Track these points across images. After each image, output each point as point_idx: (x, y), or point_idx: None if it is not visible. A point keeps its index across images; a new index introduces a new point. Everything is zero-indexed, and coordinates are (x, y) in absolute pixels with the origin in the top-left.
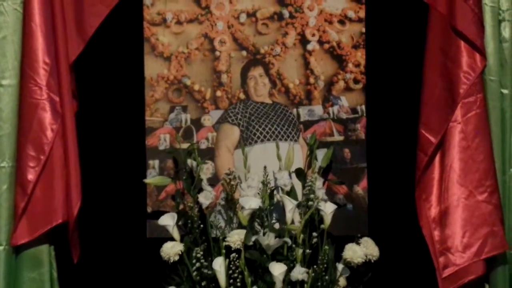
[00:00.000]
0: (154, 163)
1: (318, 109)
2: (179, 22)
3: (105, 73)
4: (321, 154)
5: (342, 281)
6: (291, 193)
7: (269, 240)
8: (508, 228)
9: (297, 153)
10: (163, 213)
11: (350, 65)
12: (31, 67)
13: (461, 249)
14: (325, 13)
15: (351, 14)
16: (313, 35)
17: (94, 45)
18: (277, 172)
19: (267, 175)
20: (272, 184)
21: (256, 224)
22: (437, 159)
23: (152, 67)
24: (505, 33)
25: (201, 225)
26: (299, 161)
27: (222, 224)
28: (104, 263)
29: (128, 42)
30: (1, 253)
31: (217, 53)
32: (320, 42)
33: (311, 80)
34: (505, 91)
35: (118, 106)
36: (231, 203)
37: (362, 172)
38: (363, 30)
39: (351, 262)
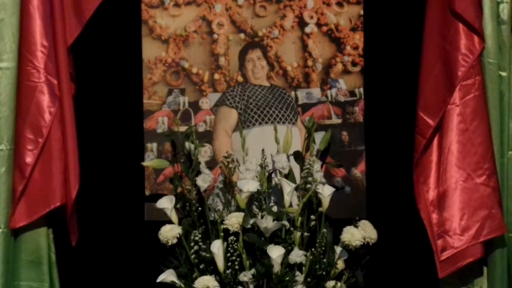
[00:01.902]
0: (152, 146)
1: (316, 92)
2: (177, 5)
3: (103, 55)
4: (319, 137)
5: (340, 264)
6: (289, 176)
7: (267, 223)
8: (507, 211)
9: (295, 136)
10: (161, 196)
11: (348, 48)
12: (29, 50)
13: (459, 231)
14: None
15: None
16: (311, 17)
17: (92, 27)
18: (275, 155)
19: (265, 158)
20: (270, 167)
21: (254, 207)
22: (435, 141)
23: (150, 50)
24: (504, 15)
25: (199, 208)
26: (297, 144)
27: (220, 207)
28: (102, 246)
29: (126, 25)
30: None
31: (215, 35)
32: (318, 24)
33: (309, 62)
34: (503, 74)
35: (116, 88)
36: (229, 186)
37: (360, 155)
38: (361, 12)
39: (349, 245)
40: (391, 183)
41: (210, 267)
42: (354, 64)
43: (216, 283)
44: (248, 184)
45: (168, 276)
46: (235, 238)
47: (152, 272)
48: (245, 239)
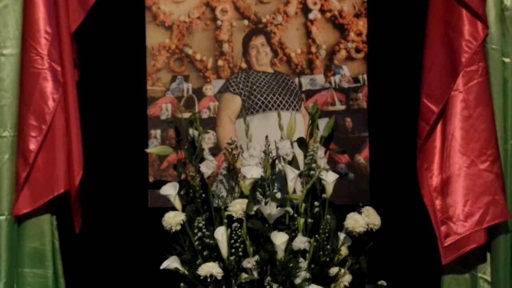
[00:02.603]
0: (156, 132)
1: (320, 79)
2: None
3: (107, 42)
4: (323, 124)
5: (343, 250)
6: (293, 162)
7: (271, 209)
8: (510, 197)
9: (299, 123)
10: (164, 182)
11: (352, 34)
12: (32, 37)
13: (463, 218)
14: None
15: None
16: (315, 3)
17: (95, 14)
18: (279, 142)
19: (269, 145)
20: (273, 153)
21: (258, 193)
22: (438, 128)
23: (154, 36)
24: (507, 1)
25: (203, 195)
26: (300, 131)
27: (224, 193)
28: (106, 233)
29: (129, 11)
30: (3, 222)
31: (219, 22)
32: (322, 11)
33: (313, 49)
34: (506, 60)
35: (119, 75)
36: (233, 173)
37: (364, 142)
38: None
39: (353, 231)
40: (394, 169)
41: (213, 253)
42: (357, 50)
43: (219, 270)
44: (251, 171)
45: (172, 262)
46: (238, 225)
47: (156, 258)
48: (248, 225)
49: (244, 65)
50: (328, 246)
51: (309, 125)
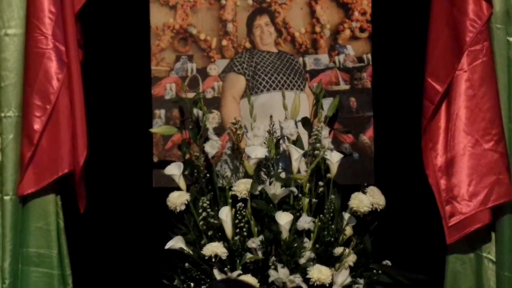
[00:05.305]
0: (160, 112)
1: (324, 58)
2: None
3: (111, 22)
4: (327, 103)
5: (348, 230)
6: (297, 142)
7: (275, 189)
8: None
9: (303, 102)
10: (169, 162)
11: (356, 14)
12: (36, 17)
13: (468, 197)
14: None
15: None
16: None
17: None
18: (283, 121)
19: (273, 124)
20: (278, 133)
21: (262, 173)
22: (443, 107)
23: (158, 16)
24: None
25: (207, 175)
26: (305, 110)
27: (228, 173)
28: (111, 213)
29: None
30: (7, 203)
31: (223, 1)
32: None
33: (317, 28)
34: (511, 39)
35: (123, 55)
36: (237, 153)
37: (368, 121)
38: None
39: (358, 211)
40: (399, 149)
41: (218, 233)
42: (362, 30)
43: (224, 250)
44: (256, 151)
45: (177, 242)
46: (243, 205)
47: (161, 239)
48: (253, 205)
49: (248, 45)
50: (333, 226)
51: (313, 105)
